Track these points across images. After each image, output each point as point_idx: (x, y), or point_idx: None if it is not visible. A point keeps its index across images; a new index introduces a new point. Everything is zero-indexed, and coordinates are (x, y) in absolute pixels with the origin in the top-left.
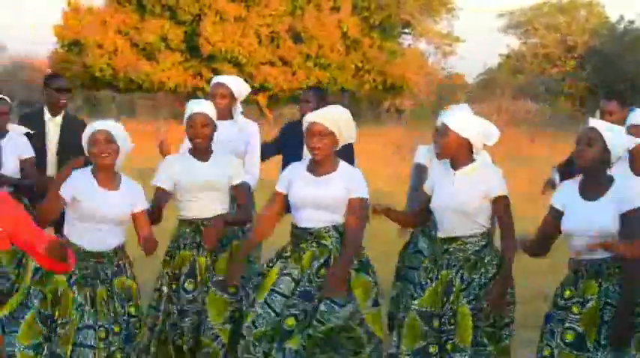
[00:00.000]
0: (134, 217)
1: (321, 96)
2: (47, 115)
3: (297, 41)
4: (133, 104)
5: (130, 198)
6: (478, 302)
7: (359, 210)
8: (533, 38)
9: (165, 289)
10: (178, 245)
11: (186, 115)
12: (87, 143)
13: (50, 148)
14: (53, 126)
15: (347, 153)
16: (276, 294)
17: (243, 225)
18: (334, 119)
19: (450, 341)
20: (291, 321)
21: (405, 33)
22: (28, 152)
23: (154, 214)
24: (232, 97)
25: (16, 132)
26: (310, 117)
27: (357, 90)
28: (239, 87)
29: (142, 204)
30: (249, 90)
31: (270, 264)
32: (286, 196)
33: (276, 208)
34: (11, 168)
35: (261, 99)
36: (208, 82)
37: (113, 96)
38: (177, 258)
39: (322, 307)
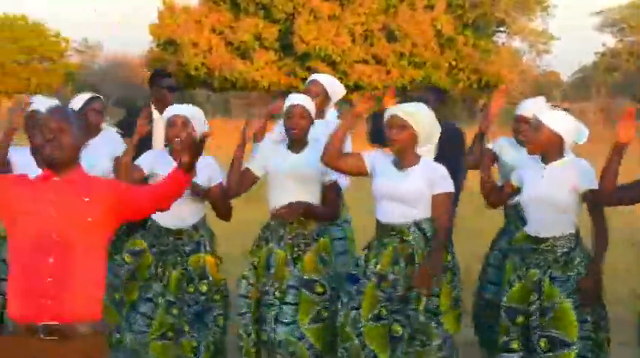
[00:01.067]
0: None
1: (438, 95)
2: (155, 113)
3: (390, 39)
4: (227, 103)
5: (207, 172)
6: (577, 296)
7: (444, 205)
8: (630, 36)
9: (250, 278)
10: (265, 236)
11: (284, 107)
12: (165, 126)
13: (156, 146)
14: (161, 123)
15: (456, 152)
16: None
17: (328, 221)
18: (415, 115)
19: (544, 338)
20: (397, 327)
21: (500, 31)
22: (121, 150)
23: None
24: (326, 96)
25: (110, 131)
26: (392, 111)
27: (451, 88)
28: (334, 87)
29: (217, 179)
30: (344, 92)
31: (361, 265)
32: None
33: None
34: (104, 167)
35: (355, 97)
36: (302, 80)
37: (208, 94)
38: (262, 249)
39: (422, 318)
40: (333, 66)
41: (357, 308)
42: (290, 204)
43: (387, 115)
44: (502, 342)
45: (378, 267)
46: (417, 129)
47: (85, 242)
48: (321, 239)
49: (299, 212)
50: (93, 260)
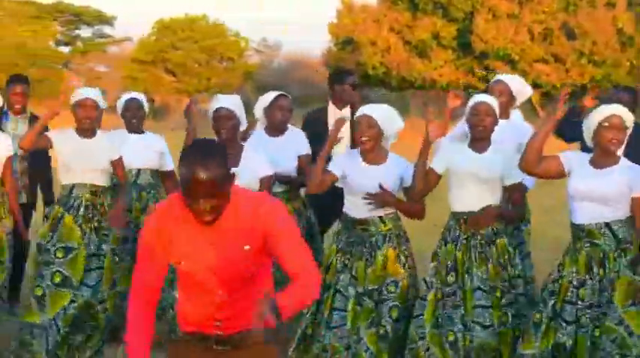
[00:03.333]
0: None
1: (633, 95)
2: (335, 112)
3: (570, 38)
4: (404, 102)
5: (398, 170)
6: None
7: None
8: None
9: (434, 282)
10: (445, 237)
11: (469, 105)
12: (356, 126)
13: (341, 147)
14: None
15: None
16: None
17: (515, 223)
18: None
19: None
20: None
21: None
22: (306, 149)
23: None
24: (511, 97)
25: (295, 130)
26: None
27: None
28: (519, 87)
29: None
30: (531, 92)
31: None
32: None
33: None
34: (290, 166)
35: (534, 96)
36: (480, 79)
37: (385, 93)
38: (443, 251)
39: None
40: (511, 64)
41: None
42: (481, 212)
43: (606, 116)
44: None
45: (574, 274)
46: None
47: (249, 267)
48: (498, 240)
49: (491, 219)
50: (259, 277)
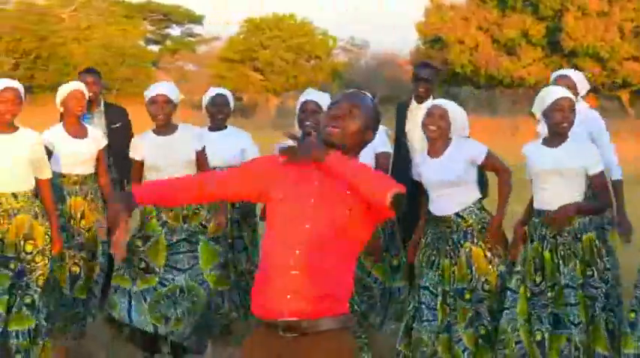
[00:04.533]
0: None
1: None
2: (413, 103)
3: None
4: (492, 100)
5: (461, 155)
6: None
7: None
8: None
9: (523, 278)
10: (530, 235)
11: (549, 100)
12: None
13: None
14: (417, 113)
15: None
16: None
17: (599, 213)
18: None
19: None
20: None
21: None
22: (384, 147)
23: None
24: (575, 90)
25: (380, 128)
26: None
27: None
28: (581, 80)
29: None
30: (589, 86)
31: None
32: None
33: None
34: (367, 163)
35: (623, 95)
36: None
37: (473, 92)
38: (529, 249)
39: None
40: (601, 63)
41: None
42: (560, 209)
43: None
44: None
45: None
46: None
47: (340, 234)
48: (584, 235)
49: (570, 215)
50: (345, 253)
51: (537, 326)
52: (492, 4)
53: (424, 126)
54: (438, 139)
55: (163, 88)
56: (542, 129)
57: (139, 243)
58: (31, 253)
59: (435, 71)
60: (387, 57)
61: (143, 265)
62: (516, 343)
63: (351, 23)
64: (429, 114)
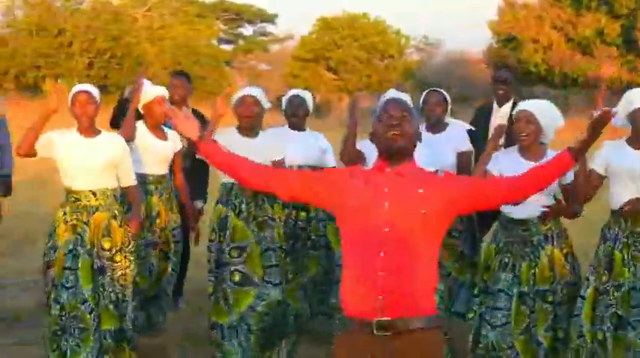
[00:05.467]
0: None
1: None
2: (494, 106)
3: None
4: (566, 99)
5: None
6: None
7: None
8: None
9: (593, 279)
10: (604, 235)
11: (634, 106)
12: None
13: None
14: (498, 115)
15: None
16: None
17: None
18: None
19: None
20: None
21: None
22: (465, 145)
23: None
24: None
25: (456, 124)
26: None
27: None
28: None
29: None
30: None
31: None
32: None
33: None
34: (450, 162)
35: None
36: None
37: (547, 91)
38: (601, 249)
39: None
40: None
41: None
42: (632, 201)
43: None
44: None
45: None
46: None
47: (419, 234)
48: None
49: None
50: (426, 252)
51: (599, 326)
52: (566, 3)
53: (516, 134)
54: (533, 144)
55: (253, 90)
56: (618, 122)
57: (235, 253)
58: (109, 250)
59: (513, 74)
60: (459, 56)
61: (238, 278)
62: (584, 347)
63: (425, 22)
64: (517, 120)
